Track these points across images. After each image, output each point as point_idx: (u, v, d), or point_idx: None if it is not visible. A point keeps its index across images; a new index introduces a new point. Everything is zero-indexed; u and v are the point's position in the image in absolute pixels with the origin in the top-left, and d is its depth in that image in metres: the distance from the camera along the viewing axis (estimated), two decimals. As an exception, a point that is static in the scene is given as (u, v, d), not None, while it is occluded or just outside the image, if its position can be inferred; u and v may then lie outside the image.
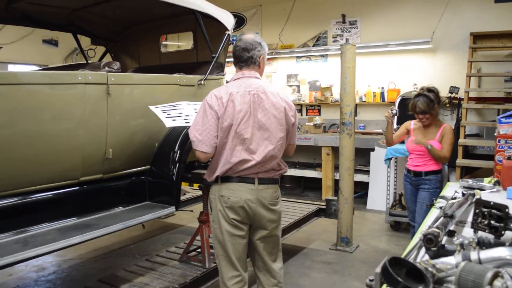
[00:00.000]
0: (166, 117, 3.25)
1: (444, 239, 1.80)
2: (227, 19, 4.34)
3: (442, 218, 2.06)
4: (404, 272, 1.41)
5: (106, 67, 3.39)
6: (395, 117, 4.47)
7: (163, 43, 5.18)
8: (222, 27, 4.29)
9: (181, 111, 3.35)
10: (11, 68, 8.33)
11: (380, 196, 6.80)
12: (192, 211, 5.06)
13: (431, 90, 4.07)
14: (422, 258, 1.71)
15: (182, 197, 4.22)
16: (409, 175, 4.27)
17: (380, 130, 7.58)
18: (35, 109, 2.86)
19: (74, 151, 3.13)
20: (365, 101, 7.94)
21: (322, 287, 4.25)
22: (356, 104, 7.00)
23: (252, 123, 2.66)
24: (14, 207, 2.96)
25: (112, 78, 3.27)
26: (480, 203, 1.92)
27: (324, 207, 5.43)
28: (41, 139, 2.92)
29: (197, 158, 2.74)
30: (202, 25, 4.07)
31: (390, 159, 6.18)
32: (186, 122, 3.29)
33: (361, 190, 7.49)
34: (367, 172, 7.33)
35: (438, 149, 4.02)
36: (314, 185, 8.27)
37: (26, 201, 3.01)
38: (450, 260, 1.53)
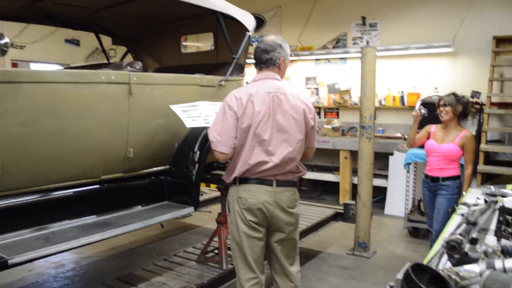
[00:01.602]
0: (187, 117, 3.27)
1: (467, 247, 1.78)
2: (248, 20, 4.35)
3: (464, 225, 2.04)
4: (427, 279, 1.40)
5: (129, 67, 3.43)
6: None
7: (183, 43, 5.21)
8: (242, 28, 4.29)
9: (201, 111, 3.37)
10: (33, 66, 8.47)
11: (398, 201, 6.72)
12: (210, 212, 5.08)
13: (463, 96, 4.16)
14: (444, 266, 1.69)
15: (200, 198, 4.24)
16: (427, 181, 4.23)
17: (399, 135, 7.51)
18: (59, 108, 2.90)
19: (96, 150, 3.17)
20: (384, 105, 7.87)
21: (339, 291, 4.22)
22: (376, 108, 6.94)
23: (271, 124, 2.66)
24: (36, 204, 3.01)
25: (134, 78, 3.30)
26: (504, 210, 1.89)
27: (342, 211, 5.39)
28: (64, 137, 2.96)
29: (216, 158, 2.75)
30: (224, 26, 4.08)
31: (410, 164, 6.12)
32: (206, 123, 3.30)
33: (379, 195, 7.41)
34: (385, 176, 7.25)
35: (467, 177, 4.04)
36: (331, 189, 8.21)
37: (48, 198, 3.06)
38: (474, 268, 1.51)
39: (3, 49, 2.46)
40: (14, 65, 7.97)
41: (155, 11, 4.54)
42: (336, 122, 8.09)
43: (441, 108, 4.10)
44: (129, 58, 5.42)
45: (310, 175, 8.09)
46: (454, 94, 4.13)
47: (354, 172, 7.37)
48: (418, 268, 1.41)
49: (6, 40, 2.45)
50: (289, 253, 2.87)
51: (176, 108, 3.37)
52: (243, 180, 2.72)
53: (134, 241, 5.48)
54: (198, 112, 3.31)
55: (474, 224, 2.04)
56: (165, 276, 3.50)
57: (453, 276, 1.43)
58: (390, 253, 5.29)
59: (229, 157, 2.73)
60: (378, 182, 7.17)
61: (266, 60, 2.76)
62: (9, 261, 2.46)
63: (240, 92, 2.70)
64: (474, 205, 2.66)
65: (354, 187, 6.63)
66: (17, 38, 7.75)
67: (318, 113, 8.78)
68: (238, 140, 2.67)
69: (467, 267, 1.52)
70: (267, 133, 2.65)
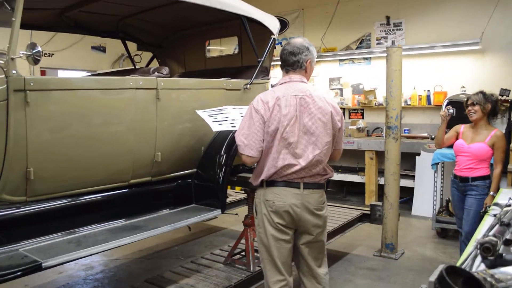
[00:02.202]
0: (213, 121, 3.29)
1: (501, 248, 1.74)
2: (273, 24, 4.36)
3: (497, 226, 1.99)
4: (461, 281, 1.37)
5: (156, 73, 3.48)
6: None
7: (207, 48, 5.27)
8: (266, 31, 4.31)
9: (227, 115, 3.39)
10: (61, 74, 8.66)
11: (426, 202, 6.63)
12: (237, 214, 5.10)
13: (492, 94, 4.08)
14: (478, 268, 1.66)
15: (227, 200, 4.26)
16: (456, 181, 4.17)
17: (425, 134, 7.40)
18: (88, 114, 2.97)
19: (125, 154, 3.23)
20: (410, 104, 7.77)
21: (367, 293, 4.19)
22: (401, 108, 6.86)
23: (298, 127, 2.65)
24: (67, 208, 3.08)
25: (162, 83, 3.35)
26: (539, 211, 1.85)
27: (368, 212, 5.35)
28: (94, 142, 3.03)
29: (243, 162, 2.76)
30: (249, 30, 4.10)
31: (437, 163, 6.03)
32: (232, 126, 3.32)
33: (405, 196, 7.32)
34: (412, 177, 7.16)
35: (495, 177, 3.95)
36: (356, 190, 8.15)
37: (78, 203, 3.13)
38: (510, 270, 1.48)
39: (35, 58, 2.53)
40: (43, 72, 8.16)
41: (180, 17, 4.60)
42: (361, 123, 8.03)
43: (470, 108, 4.03)
44: (154, 63, 5.50)
45: (335, 176, 8.03)
46: (482, 92, 4.05)
47: (380, 172, 7.30)
48: (452, 271, 1.38)
49: (38, 49, 2.52)
50: (317, 255, 2.86)
51: (202, 114, 3.40)
52: (270, 183, 2.72)
53: (161, 243, 5.54)
54: (224, 116, 3.33)
55: (508, 225, 1.99)
56: (193, 278, 3.53)
57: (488, 279, 1.40)
58: (418, 254, 5.22)
59: (256, 160, 2.74)
60: (405, 182, 7.08)
61: (293, 63, 2.76)
62: (43, 264, 2.52)
63: (267, 96, 2.70)
64: (507, 205, 2.60)
65: (380, 188, 6.57)
66: (46, 46, 7.94)
67: (343, 114, 8.70)
68: (265, 143, 2.67)
69: (502, 269, 1.49)
70: (294, 136, 2.65)
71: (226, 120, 3.36)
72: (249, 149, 2.66)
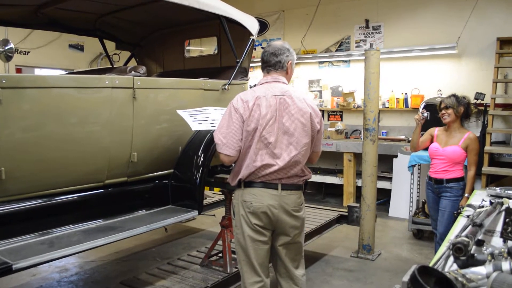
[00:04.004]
0: (193, 121, 3.26)
1: (473, 249, 1.77)
2: (252, 24, 4.36)
3: (470, 227, 2.02)
4: (433, 281, 1.39)
5: (133, 72, 3.44)
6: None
7: (186, 48, 5.24)
8: (246, 32, 4.30)
9: (208, 115, 3.36)
10: (38, 72, 8.51)
11: (402, 204, 6.71)
12: (214, 215, 5.08)
13: (464, 97, 4.15)
14: (450, 268, 1.68)
15: (204, 201, 4.24)
16: (430, 183, 4.23)
17: (403, 137, 7.49)
18: (62, 112, 2.91)
19: (100, 154, 3.18)
20: (388, 107, 7.86)
21: (344, 294, 4.21)
22: (379, 110, 6.93)
23: (277, 127, 2.65)
24: (40, 208, 3.01)
25: (138, 82, 3.31)
26: (510, 212, 1.88)
27: (346, 213, 5.38)
28: (68, 142, 2.97)
29: (221, 161, 2.75)
30: (227, 30, 4.09)
31: (414, 166, 6.11)
32: (212, 126, 3.30)
33: (383, 197, 7.40)
34: (389, 179, 7.23)
35: (469, 179, 4.04)
36: (335, 191, 8.20)
37: (52, 203, 3.07)
38: (481, 270, 1.50)
39: (8, 54, 2.48)
40: (19, 70, 8.01)
41: (159, 16, 4.56)
42: (339, 125, 8.09)
43: (443, 111, 4.10)
44: (133, 63, 5.43)
45: (314, 178, 8.08)
46: (454, 95, 4.13)
47: (358, 174, 7.35)
48: (425, 271, 1.40)
49: (10, 45, 2.47)
50: (294, 257, 2.86)
51: (183, 113, 3.37)
52: (248, 183, 2.71)
53: (138, 245, 5.48)
54: (204, 116, 3.31)
55: (480, 226, 2.02)
56: (169, 280, 3.50)
57: (459, 278, 1.42)
58: (394, 255, 5.27)
59: (234, 159, 2.72)
60: (382, 184, 7.16)
61: (275, 63, 2.78)
62: (14, 266, 2.46)
63: (247, 95, 2.69)
64: (480, 207, 2.64)
65: (358, 189, 6.61)
66: (22, 44, 7.79)
67: (322, 116, 8.75)
68: (243, 142, 2.67)
69: (473, 269, 1.51)
70: (273, 136, 2.64)
71: (206, 120, 3.34)
72: (227, 148, 2.65)
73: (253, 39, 4.30)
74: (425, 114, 4.18)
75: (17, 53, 7.70)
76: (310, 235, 4.69)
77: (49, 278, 4.50)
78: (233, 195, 2.85)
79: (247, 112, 2.62)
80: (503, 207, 2.36)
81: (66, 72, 5.90)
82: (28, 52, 8.06)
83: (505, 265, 1.48)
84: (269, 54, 2.78)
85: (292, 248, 2.84)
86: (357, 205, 5.29)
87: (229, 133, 2.65)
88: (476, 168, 4.09)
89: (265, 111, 2.63)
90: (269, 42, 2.94)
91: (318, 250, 5.32)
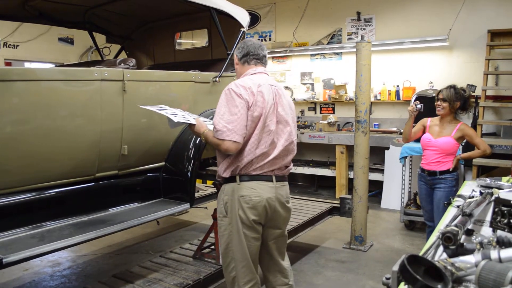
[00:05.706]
0: (169, 114, 3.00)
1: (462, 238, 1.78)
2: (243, 16, 4.33)
3: (460, 217, 2.03)
4: (422, 270, 1.39)
5: (122, 64, 3.40)
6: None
7: (177, 40, 5.20)
8: (236, 24, 4.27)
9: (173, 110, 3.07)
10: (27, 65, 8.42)
11: (394, 195, 6.75)
12: (206, 208, 5.06)
13: (464, 90, 4.13)
14: (440, 257, 1.68)
15: (196, 194, 4.22)
16: (423, 175, 4.22)
17: (395, 129, 7.51)
18: (52, 105, 2.88)
19: (90, 147, 3.15)
20: (379, 99, 7.87)
21: (336, 285, 4.22)
22: (371, 102, 6.94)
23: (275, 116, 2.67)
24: (31, 202, 3.00)
25: (128, 75, 3.28)
26: (499, 201, 1.89)
27: (338, 205, 5.40)
28: (58, 135, 2.94)
29: (225, 150, 2.54)
30: (218, 22, 4.06)
31: (405, 157, 6.13)
32: (187, 120, 3.07)
33: (375, 189, 7.43)
34: (381, 170, 7.27)
35: (472, 153, 4.17)
36: (327, 184, 8.22)
37: (42, 197, 3.05)
38: (469, 259, 1.51)
39: (-6, 47, 2.44)
40: (8, 64, 7.91)
41: (149, 8, 4.52)
42: (332, 117, 8.09)
43: (439, 102, 4.08)
44: (123, 55, 5.39)
45: (306, 170, 8.10)
46: (454, 88, 4.07)
47: (350, 166, 7.35)
48: (414, 260, 1.40)
49: (-3, 38, 2.42)
50: (281, 249, 2.89)
51: (151, 108, 3.05)
52: (243, 177, 2.62)
53: (130, 238, 5.47)
54: (172, 111, 3.05)
55: (470, 215, 2.04)
56: (162, 273, 3.49)
57: (448, 267, 1.42)
58: (386, 246, 5.30)
59: (240, 146, 2.56)
60: (374, 176, 7.19)
61: (263, 57, 2.81)
62: (4, 260, 2.45)
63: (246, 82, 2.62)
64: (470, 197, 2.66)
65: (350, 181, 6.62)
66: (10, 38, 7.70)
67: (314, 109, 8.78)
68: (247, 129, 2.57)
69: (462, 258, 1.52)
70: (273, 124, 2.64)
71: (177, 115, 3.06)
72: (234, 134, 2.49)
73: (244, 32, 4.27)
74: (419, 106, 4.15)
75: (6, 46, 7.62)
76: (302, 227, 4.71)
77: (41, 273, 4.49)
78: (222, 191, 2.72)
79: (252, 99, 2.56)
80: (493, 198, 2.37)
81: (56, 66, 5.85)
82: (17, 45, 7.97)
83: (494, 254, 1.49)
84: (258, 47, 2.79)
85: (281, 241, 2.87)
86: (349, 196, 5.31)
87: (235, 119, 2.50)
88: (487, 146, 4.08)
89: (267, 99, 2.62)
90: (246, 38, 2.94)
91: (311, 242, 5.35)
